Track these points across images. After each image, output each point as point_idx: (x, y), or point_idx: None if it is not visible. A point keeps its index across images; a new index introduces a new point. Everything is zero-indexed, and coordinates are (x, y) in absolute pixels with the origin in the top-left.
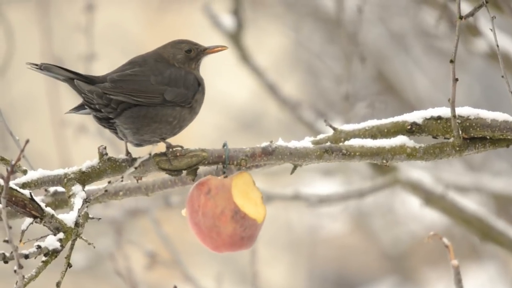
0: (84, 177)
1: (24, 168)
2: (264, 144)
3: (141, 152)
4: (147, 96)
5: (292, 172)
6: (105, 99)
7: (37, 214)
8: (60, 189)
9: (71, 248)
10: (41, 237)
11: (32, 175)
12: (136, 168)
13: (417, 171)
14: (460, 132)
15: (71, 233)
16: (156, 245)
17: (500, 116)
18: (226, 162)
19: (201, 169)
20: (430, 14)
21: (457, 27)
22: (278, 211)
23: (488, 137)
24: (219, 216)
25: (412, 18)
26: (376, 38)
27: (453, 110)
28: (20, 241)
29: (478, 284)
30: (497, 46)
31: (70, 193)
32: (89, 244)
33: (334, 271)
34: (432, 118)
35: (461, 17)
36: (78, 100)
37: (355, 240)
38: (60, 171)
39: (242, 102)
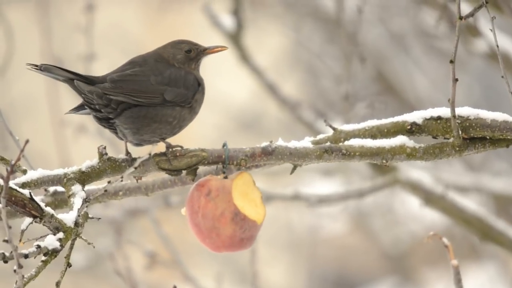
0: (84, 177)
1: (24, 168)
2: (264, 144)
3: (141, 152)
4: (147, 96)
5: (292, 172)
6: (105, 100)
7: (37, 213)
8: (59, 189)
9: (71, 247)
10: (41, 237)
11: (31, 175)
12: (136, 168)
13: (417, 171)
14: (460, 132)
15: (71, 233)
16: (156, 245)
17: (500, 116)
18: (226, 162)
19: (201, 169)
20: (430, 14)
21: (457, 27)
22: (278, 211)
23: (488, 137)
24: (219, 217)
25: (412, 18)
26: (376, 38)
27: (453, 110)
28: (20, 240)
29: (478, 284)
30: (497, 46)
31: (70, 193)
32: (89, 244)
33: (334, 271)
34: (432, 118)
35: (461, 18)
36: (78, 100)
37: (355, 240)
38: (59, 171)
39: (242, 102)
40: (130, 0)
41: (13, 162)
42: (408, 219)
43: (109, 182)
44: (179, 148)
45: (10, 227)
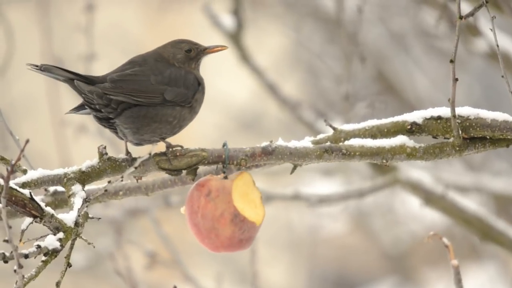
0: (84, 177)
1: (24, 167)
2: (264, 144)
3: (141, 152)
4: (147, 96)
5: (292, 172)
6: (105, 99)
7: (37, 213)
8: (60, 188)
9: (71, 247)
10: (41, 237)
11: (32, 174)
12: (136, 167)
13: (417, 171)
14: (460, 132)
15: (71, 233)
16: (156, 245)
17: (500, 116)
18: (226, 162)
19: (201, 168)
20: (430, 14)
21: (457, 27)
22: (278, 211)
23: (488, 137)
24: (219, 218)
25: (412, 18)
26: (376, 38)
27: (453, 110)
28: (20, 240)
29: (478, 284)
30: (497, 46)
31: (70, 192)
32: (89, 243)
33: (334, 271)
34: (432, 118)
35: (461, 17)
36: (78, 100)
37: (355, 240)
38: (60, 171)
39: (242, 102)
40: (130, 0)
41: (13, 162)
42: (408, 219)
43: (109, 182)
44: (179, 148)
45: (10, 227)
